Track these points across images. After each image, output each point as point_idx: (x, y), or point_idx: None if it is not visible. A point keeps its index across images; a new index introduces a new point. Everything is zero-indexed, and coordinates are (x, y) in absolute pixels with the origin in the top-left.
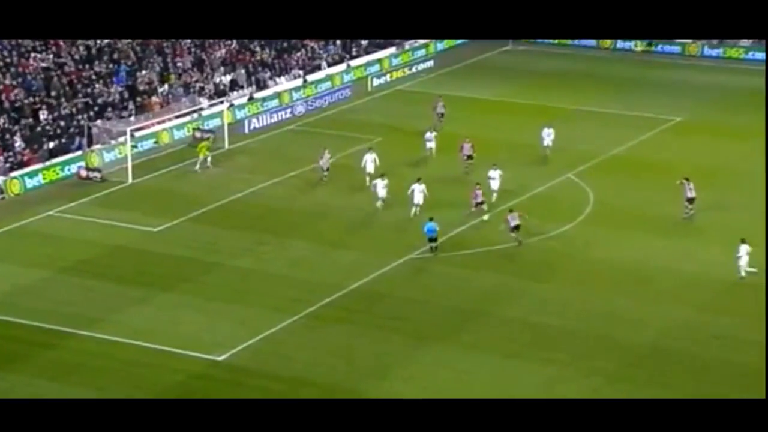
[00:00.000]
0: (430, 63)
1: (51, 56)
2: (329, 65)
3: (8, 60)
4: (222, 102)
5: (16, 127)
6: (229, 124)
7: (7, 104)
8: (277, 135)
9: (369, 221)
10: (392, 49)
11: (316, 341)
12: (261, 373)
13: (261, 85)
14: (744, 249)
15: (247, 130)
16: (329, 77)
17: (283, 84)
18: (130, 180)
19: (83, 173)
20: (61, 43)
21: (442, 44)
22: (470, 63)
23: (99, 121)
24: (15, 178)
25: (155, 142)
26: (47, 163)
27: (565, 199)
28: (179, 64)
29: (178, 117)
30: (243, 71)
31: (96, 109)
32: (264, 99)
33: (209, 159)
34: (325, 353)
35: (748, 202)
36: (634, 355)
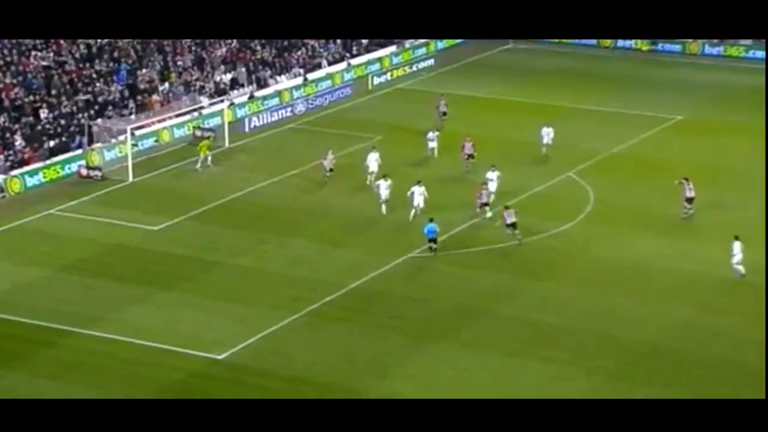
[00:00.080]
0: (431, 61)
1: (51, 55)
2: (330, 64)
3: (9, 59)
4: (222, 100)
5: (17, 126)
6: (229, 123)
7: (7, 103)
8: (278, 134)
9: (369, 220)
10: (393, 48)
11: (316, 340)
12: (261, 371)
13: (261, 84)
14: (738, 246)
15: (247, 129)
16: (330, 76)
17: (284, 82)
18: (130, 178)
19: (84, 172)
20: (62, 41)
21: (443, 43)
22: (471, 61)
23: (99, 120)
24: (15, 176)
25: (156, 141)
26: (48, 162)
27: (565, 198)
28: (180, 63)
29: (178, 115)
30: (243, 70)
31: (96, 107)
32: (264, 97)
33: (209, 158)
34: (325, 352)
35: (748, 200)
36: (634, 354)
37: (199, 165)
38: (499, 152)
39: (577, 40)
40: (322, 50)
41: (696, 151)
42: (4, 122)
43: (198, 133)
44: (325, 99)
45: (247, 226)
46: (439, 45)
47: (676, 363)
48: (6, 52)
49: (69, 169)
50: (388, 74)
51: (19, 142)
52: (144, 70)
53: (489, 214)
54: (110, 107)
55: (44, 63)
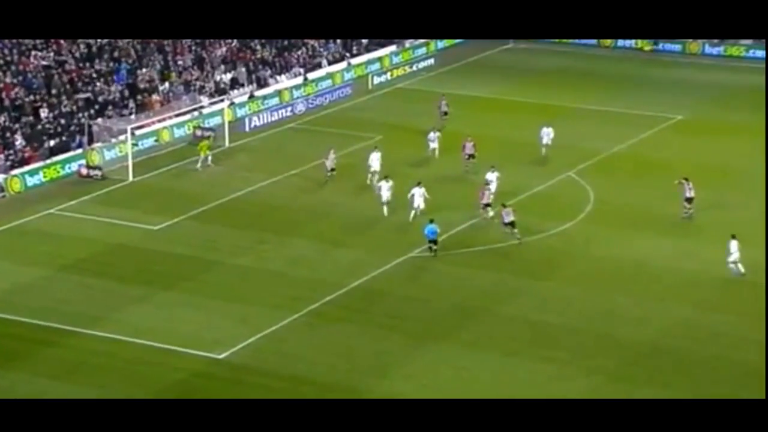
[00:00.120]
0: (431, 61)
1: (52, 54)
2: (330, 63)
3: (9, 58)
4: (222, 100)
5: (17, 125)
6: (229, 123)
7: (7, 102)
8: (278, 133)
9: (369, 220)
10: (393, 48)
11: (317, 339)
12: (261, 371)
13: (261, 83)
14: (735, 245)
15: (247, 129)
16: (330, 75)
17: (284, 82)
18: (130, 178)
19: (84, 171)
20: (62, 41)
21: (443, 42)
22: (471, 61)
23: (99, 119)
24: (16, 176)
25: (156, 141)
26: (48, 161)
27: (565, 198)
28: (180, 62)
29: (178, 115)
30: (243, 69)
31: (97, 107)
32: (264, 97)
33: (210, 157)
34: (325, 351)
35: (748, 200)
36: (634, 354)
37: (199, 165)
38: (499, 152)
39: (577, 40)
40: (322, 50)
41: (696, 150)
42: (4, 122)
43: (198, 132)
44: (325, 98)
45: (247, 226)
46: (439, 45)
47: (676, 363)
48: (6, 51)
49: (69, 168)
50: (388, 74)
51: (19, 141)
52: (144, 70)
53: (491, 214)
54: (110, 107)
55: (44, 63)
